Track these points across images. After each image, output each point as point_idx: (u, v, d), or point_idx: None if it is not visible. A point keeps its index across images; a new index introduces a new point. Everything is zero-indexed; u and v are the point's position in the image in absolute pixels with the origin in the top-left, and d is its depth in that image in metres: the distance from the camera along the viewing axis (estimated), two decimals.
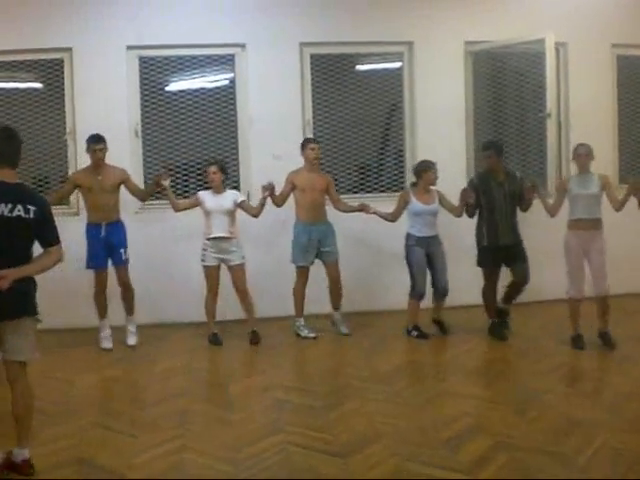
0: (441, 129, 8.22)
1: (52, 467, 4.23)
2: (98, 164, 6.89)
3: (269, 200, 7.06)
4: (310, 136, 7.87)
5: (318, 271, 7.33)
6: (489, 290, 7.06)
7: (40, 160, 7.93)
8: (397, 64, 8.45)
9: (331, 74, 8.30)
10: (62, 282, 7.47)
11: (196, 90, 8.13)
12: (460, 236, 7.54)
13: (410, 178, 8.24)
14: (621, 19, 8.60)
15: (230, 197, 7.06)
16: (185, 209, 7.16)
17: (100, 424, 4.97)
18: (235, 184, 8.00)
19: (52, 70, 7.89)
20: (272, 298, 7.83)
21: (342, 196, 7.63)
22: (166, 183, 7.00)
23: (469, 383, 5.77)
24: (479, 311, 7.26)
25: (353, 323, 7.52)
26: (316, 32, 8.07)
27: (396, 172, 8.55)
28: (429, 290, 7.19)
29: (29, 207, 3.97)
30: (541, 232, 7.35)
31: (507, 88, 8.43)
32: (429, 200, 7.04)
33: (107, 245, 6.96)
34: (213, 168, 7.02)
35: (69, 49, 7.73)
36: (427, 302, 7.24)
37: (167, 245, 7.91)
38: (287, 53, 8.05)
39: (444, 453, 4.32)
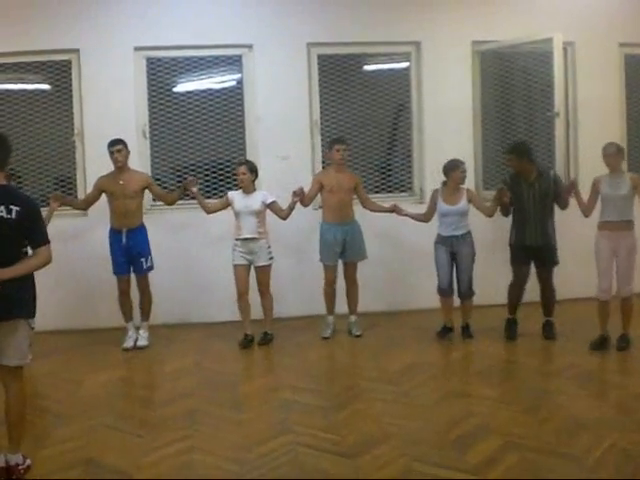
0: (449, 129, 8.20)
1: (61, 468, 4.25)
2: (119, 167, 6.91)
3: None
4: (337, 136, 7.72)
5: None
6: (513, 288, 7.04)
7: (49, 162, 7.95)
8: (404, 64, 8.43)
9: (338, 74, 8.29)
10: (77, 283, 7.57)
11: (204, 91, 8.13)
12: (481, 235, 7.45)
13: (418, 178, 8.27)
14: (629, 18, 8.56)
15: (259, 198, 7.02)
16: (216, 211, 7.16)
17: (109, 424, 4.99)
18: None
19: (60, 71, 7.90)
20: (291, 298, 7.88)
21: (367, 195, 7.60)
22: (195, 189, 7.02)
23: (479, 383, 5.76)
24: (493, 311, 7.25)
25: (372, 322, 7.57)
26: (323, 32, 8.06)
27: (404, 172, 8.53)
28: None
29: (12, 207, 3.96)
30: (568, 230, 7.28)
31: (515, 87, 8.40)
32: (456, 200, 6.97)
33: (128, 252, 6.99)
34: (242, 168, 7.00)
35: (76, 50, 7.74)
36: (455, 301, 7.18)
37: (187, 245, 7.94)
38: (294, 54, 8.04)
39: (453, 454, 4.32)
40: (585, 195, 6.65)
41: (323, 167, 7.91)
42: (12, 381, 4.11)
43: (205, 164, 8.09)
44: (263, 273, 7.06)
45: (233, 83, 8.20)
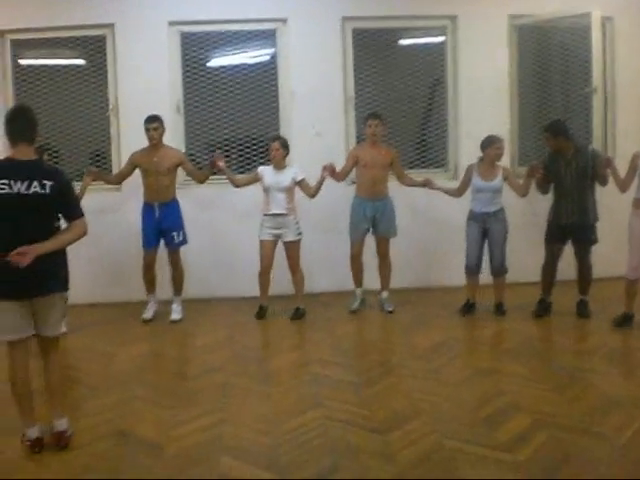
0: (484, 104, 8.10)
1: (93, 439, 4.32)
2: (153, 144, 6.94)
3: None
4: (371, 111, 7.64)
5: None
6: (546, 266, 6.98)
7: (84, 137, 8.00)
8: (440, 38, 8.34)
9: (373, 49, 8.23)
10: (111, 257, 7.64)
11: (237, 66, 8.12)
12: (514, 214, 7.40)
13: (453, 153, 8.21)
14: None
15: (290, 174, 7.02)
16: (245, 185, 7.18)
17: (141, 397, 5.05)
18: None
19: (94, 46, 7.94)
20: (318, 273, 7.91)
21: (403, 170, 7.54)
22: (222, 164, 7.03)
23: (509, 361, 5.72)
24: (526, 289, 7.20)
25: (405, 299, 7.55)
26: (358, 6, 8.00)
27: (439, 147, 8.47)
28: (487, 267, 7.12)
29: (45, 182, 4.00)
30: (603, 208, 7.16)
31: (552, 63, 8.29)
32: (491, 176, 6.92)
33: (160, 226, 7.04)
34: (276, 144, 7.00)
35: (111, 25, 7.76)
36: (488, 279, 7.15)
37: (218, 220, 7.97)
38: (329, 28, 7.99)
39: (483, 431, 4.31)
40: (623, 171, 6.54)
41: (358, 142, 7.87)
42: (50, 351, 4.21)
43: (239, 139, 8.09)
44: (293, 249, 7.07)
45: (267, 58, 8.18)
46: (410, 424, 4.43)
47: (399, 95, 8.32)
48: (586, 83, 7.67)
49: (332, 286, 7.85)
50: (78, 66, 8.06)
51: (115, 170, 7.74)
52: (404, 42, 8.47)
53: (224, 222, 7.94)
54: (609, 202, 6.85)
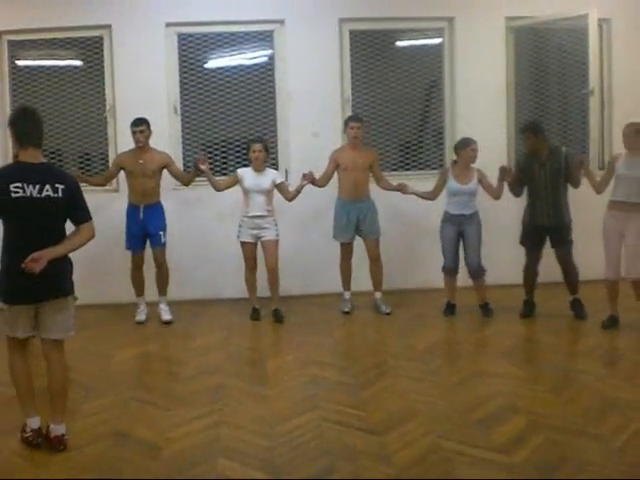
0: (482, 106, 8.12)
1: (90, 440, 4.31)
2: (140, 147, 6.95)
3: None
4: (352, 113, 7.80)
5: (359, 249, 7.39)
6: (526, 269, 7.02)
7: (80, 138, 8.01)
8: (437, 40, 8.35)
9: (370, 50, 8.24)
10: (102, 259, 7.62)
11: (235, 67, 8.13)
12: (498, 215, 7.50)
13: (449, 155, 8.21)
14: None
15: (269, 177, 7.05)
16: (226, 188, 7.18)
17: (138, 398, 5.06)
18: (273, 161, 7.99)
19: (92, 47, 7.95)
20: (310, 276, 7.94)
21: (382, 173, 7.55)
22: (204, 167, 7.02)
23: (504, 362, 5.73)
24: (517, 290, 7.21)
25: (392, 301, 7.52)
26: (355, 8, 8.01)
27: (436, 149, 8.48)
28: (464, 268, 7.15)
29: (57, 186, 4.02)
30: (580, 211, 7.22)
31: (549, 64, 8.31)
32: (467, 179, 6.95)
33: (145, 227, 7.05)
34: (258, 146, 7.01)
35: (108, 26, 7.77)
36: (467, 281, 7.21)
37: (205, 222, 7.95)
38: (326, 29, 8.00)
39: (479, 432, 4.31)
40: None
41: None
42: (55, 354, 4.20)
43: (236, 141, 8.10)
44: (271, 247, 7.08)
45: (264, 59, 8.19)
46: (406, 425, 4.44)
47: (396, 97, 8.33)
48: (583, 85, 7.69)
49: (330, 288, 7.82)
50: (75, 67, 8.08)
51: None
52: (401, 44, 8.48)
53: (215, 222, 7.92)
54: (596, 204, 6.82)
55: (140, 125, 6.90)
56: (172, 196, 7.65)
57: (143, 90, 7.69)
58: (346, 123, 7.28)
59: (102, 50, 7.90)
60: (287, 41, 7.98)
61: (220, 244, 7.83)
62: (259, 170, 7.04)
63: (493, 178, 6.97)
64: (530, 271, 7.00)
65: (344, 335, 6.83)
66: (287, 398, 5.05)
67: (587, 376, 5.31)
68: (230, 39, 8.04)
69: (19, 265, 3.86)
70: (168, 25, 7.83)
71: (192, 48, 8.00)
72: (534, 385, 5.18)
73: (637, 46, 8.32)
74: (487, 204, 7.17)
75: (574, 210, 6.92)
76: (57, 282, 4.08)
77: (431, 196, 7.19)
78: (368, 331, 6.94)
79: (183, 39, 7.98)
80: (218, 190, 7.17)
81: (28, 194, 3.93)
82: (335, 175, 7.29)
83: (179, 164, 7.66)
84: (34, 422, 4.19)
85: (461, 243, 7.07)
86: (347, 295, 7.43)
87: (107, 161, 7.95)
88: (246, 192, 7.03)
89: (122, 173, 7.17)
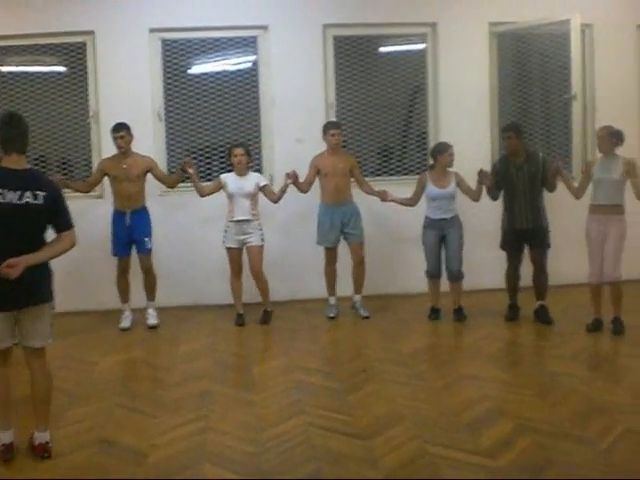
0: (465, 111, 8.16)
1: (75, 447, 4.29)
2: (122, 152, 6.93)
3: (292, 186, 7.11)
4: (333, 119, 7.84)
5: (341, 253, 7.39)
6: (508, 273, 7.07)
7: (64, 144, 7.98)
8: (421, 45, 8.38)
9: (354, 56, 8.25)
10: (86, 265, 7.58)
11: (219, 73, 8.12)
12: (480, 219, 7.56)
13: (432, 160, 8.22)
14: None
15: (253, 180, 7.07)
16: (210, 193, 7.18)
17: (123, 405, 5.03)
18: (257, 167, 7.98)
19: (75, 53, 7.91)
20: (297, 281, 7.96)
21: (365, 179, 7.59)
22: (191, 170, 7.01)
23: (489, 366, 5.75)
24: (500, 294, 7.24)
25: (375, 305, 7.54)
26: (339, 13, 8.02)
27: (419, 154, 8.50)
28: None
29: (38, 193, 3.97)
30: (562, 215, 7.27)
31: (532, 70, 8.36)
32: (445, 183, 6.99)
33: (131, 233, 7.03)
34: (240, 150, 7.03)
35: (92, 32, 7.75)
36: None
37: (190, 227, 7.93)
38: (310, 35, 8.01)
39: (465, 436, 4.32)
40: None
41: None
42: (37, 361, 4.16)
43: (220, 146, 8.08)
44: (255, 253, 7.10)
45: (248, 65, 8.19)
46: (392, 430, 4.44)
47: (380, 102, 8.34)
48: (566, 90, 7.73)
49: (316, 293, 7.81)
50: (59, 73, 8.04)
51: None
52: (385, 49, 8.50)
53: (204, 228, 7.88)
54: (576, 208, 6.86)
55: (120, 130, 6.89)
56: (158, 201, 7.63)
57: (127, 96, 7.67)
58: (325, 130, 7.29)
59: (85, 56, 7.87)
60: (271, 47, 7.98)
61: (205, 249, 7.82)
62: (242, 174, 7.05)
63: (475, 182, 7.00)
64: (512, 275, 7.05)
65: (330, 340, 6.83)
66: (273, 404, 5.03)
67: (573, 379, 5.33)
68: (214, 45, 8.03)
69: None
70: (152, 31, 7.82)
71: (176, 54, 7.98)
72: (520, 389, 5.19)
73: (619, 51, 8.39)
74: (465, 208, 7.20)
75: (553, 215, 6.96)
76: (35, 289, 4.03)
77: (411, 202, 7.22)
78: (353, 336, 6.93)
79: (167, 45, 7.96)
80: (202, 195, 7.16)
81: (8, 200, 3.89)
82: (317, 181, 7.30)
83: (164, 170, 7.62)
84: (7, 436, 4.12)
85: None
86: (332, 300, 7.44)
87: (90, 167, 7.90)
88: (230, 197, 7.03)
89: (106, 179, 7.14)
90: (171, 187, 7.35)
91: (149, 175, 7.16)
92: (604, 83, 8.36)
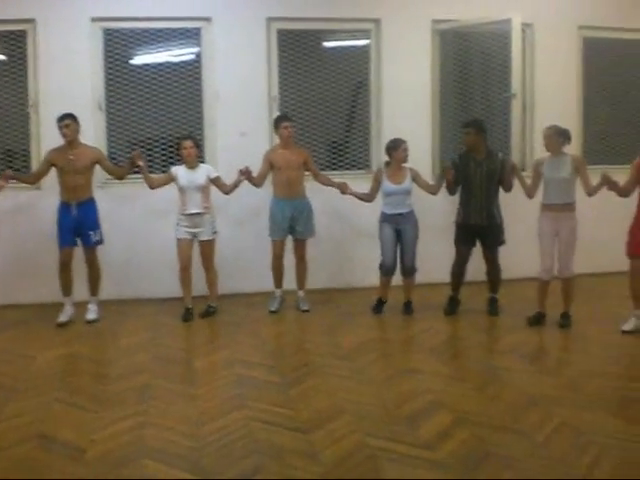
0: (407, 107, 8.23)
1: (13, 443, 4.21)
2: (69, 142, 6.81)
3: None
4: (281, 113, 7.80)
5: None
6: (455, 267, 7.17)
7: (2, 134, 7.82)
8: (364, 41, 8.42)
9: (298, 50, 8.25)
10: (27, 258, 7.45)
11: (161, 64, 8.03)
12: (431, 214, 7.66)
13: (375, 155, 8.28)
14: (588, 1, 8.66)
15: (203, 172, 7.03)
16: (160, 186, 7.11)
17: (62, 399, 4.96)
18: (200, 161, 7.91)
19: (15, 42, 7.75)
20: (246, 274, 7.97)
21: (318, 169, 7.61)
22: (141, 163, 6.94)
23: (431, 360, 5.82)
24: (447, 288, 7.34)
25: (321, 299, 7.60)
26: (283, 7, 8.02)
27: (362, 149, 8.54)
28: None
29: None
30: (511, 211, 7.37)
31: (474, 67, 8.46)
32: (400, 179, 7.04)
33: (77, 225, 6.91)
34: (189, 142, 6.98)
35: (32, 20, 7.59)
36: (398, 279, 7.29)
37: (137, 220, 7.86)
38: (254, 28, 7.98)
39: (405, 429, 4.36)
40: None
41: None
42: None
43: (162, 138, 8.01)
44: (207, 247, 7.09)
45: (192, 57, 8.11)
46: (334, 423, 4.46)
47: (323, 96, 8.36)
48: (506, 88, 7.84)
49: (256, 287, 7.83)
50: None
51: (35, 168, 7.56)
52: (329, 44, 8.52)
53: (147, 221, 7.84)
54: (522, 205, 6.99)
55: (64, 119, 6.77)
56: (105, 193, 7.54)
57: (67, 86, 7.55)
58: (277, 123, 7.28)
59: (25, 45, 7.71)
60: (214, 39, 7.93)
61: (153, 242, 7.76)
62: (192, 167, 7.01)
63: (423, 176, 7.13)
64: (459, 269, 7.14)
65: (272, 334, 6.82)
66: (214, 398, 5.01)
67: (511, 373, 5.43)
68: (157, 35, 7.94)
69: None
70: (93, 20, 7.70)
71: (118, 44, 7.87)
72: (460, 382, 5.27)
73: (558, 51, 8.57)
74: (420, 202, 7.29)
75: (507, 211, 7.10)
76: None
77: (369, 198, 7.27)
78: (296, 330, 6.96)
79: (109, 34, 7.85)
80: (152, 187, 7.10)
81: None
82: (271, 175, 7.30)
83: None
84: None
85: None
86: (277, 293, 7.44)
87: (29, 158, 7.77)
88: (181, 190, 6.98)
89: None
90: (120, 178, 7.23)
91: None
92: (544, 82, 8.52)
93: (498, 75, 8.10)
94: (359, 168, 8.43)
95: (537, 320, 6.70)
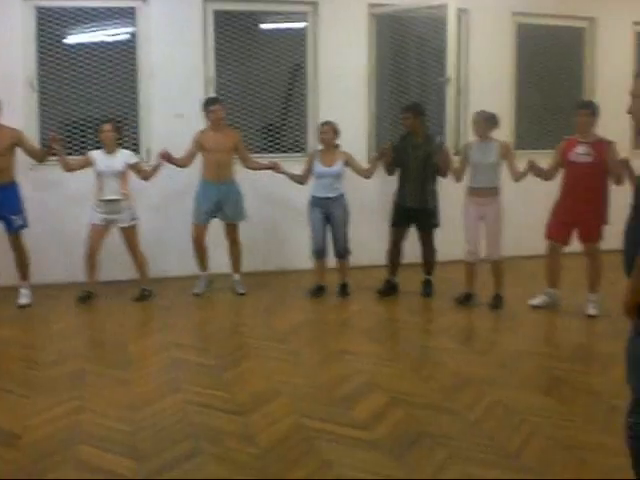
0: (344, 90, 8.25)
1: None
2: None
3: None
4: (213, 95, 7.76)
5: (219, 231, 7.34)
6: (389, 248, 7.25)
7: None
8: (301, 24, 8.39)
9: (235, 32, 8.18)
10: None
11: (96, 43, 7.86)
12: (363, 197, 7.73)
13: (312, 138, 8.29)
14: None
15: (122, 158, 6.92)
16: (78, 169, 6.98)
17: None
18: (135, 142, 7.84)
19: None
20: (172, 258, 7.88)
21: (248, 154, 7.56)
22: (57, 146, 6.80)
23: (365, 341, 5.89)
24: (380, 271, 7.41)
25: (256, 282, 7.58)
26: None
27: (298, 132, 8.55)
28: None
29: None
30: (447, 194, 7.44)
31: (409, 52, 8.51)
32: (331, 162, 7.07)
33: None
34: (107, 126, 6.86)
35: None
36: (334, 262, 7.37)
37: (63, 203, 7.70)
38: (190, 8, 7.88)
39: (340, 410, 4.42)
40: None
41: None
42: None
43: (96, 119, 7.84)
44: (129, 234, 7.00)
45: (127, 37, 7.97)
46: (269, 405, 4.50)
47: (260, 79, 8.32)
48: (441, 73, 7.91)
49: (188, 270, 7.75)
50: None
51: None
52: (266, 26, 8.47)
53: (66, 204, 7.69)
54: (462, 189, 7.11)
55: None
56: (29, 177, 7.36)
57: None
58: (205, 106, 7.21)
59: None
60: (150, 19, 7.79)
61: (78, 227, 7.60)
62: (110, 151, 6.90)
63: (358, 160, 7.21)
64: (395, 251, 7.22)
65: (206, 317, 6.81)
66: (149, 382, 5.00)
67: (445, 353, 5.54)
68: (91, 14, 7.77)
69: None
70: None
71: (51, 22, 7.68)
72: (394, 362, 5.36)
73: (493, 36, 8.69)
74: (356, 184, 7.35)
75: (444, 195, 7.24)
76: None
77: (301, 179, 7.28)
78: (231, 313, 6.95)
79: (42, 13, 7.64)
80: (68, 170, 6.97)
81: None
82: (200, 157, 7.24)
83: (35, 143, 7.34)
84: None
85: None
86: (203, 275, 7.41)
87: None
88: (98, 175, 6.85)
89: None
90: (40, 161, 7.05)
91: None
92: (478, 67, 8.63)
93: (434, 59, 8.16)
94: (295, 151, 8.42)
95: (465, 299, 6.88)
